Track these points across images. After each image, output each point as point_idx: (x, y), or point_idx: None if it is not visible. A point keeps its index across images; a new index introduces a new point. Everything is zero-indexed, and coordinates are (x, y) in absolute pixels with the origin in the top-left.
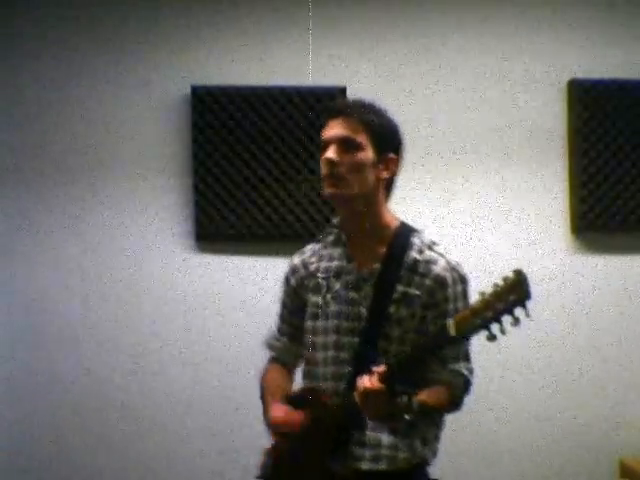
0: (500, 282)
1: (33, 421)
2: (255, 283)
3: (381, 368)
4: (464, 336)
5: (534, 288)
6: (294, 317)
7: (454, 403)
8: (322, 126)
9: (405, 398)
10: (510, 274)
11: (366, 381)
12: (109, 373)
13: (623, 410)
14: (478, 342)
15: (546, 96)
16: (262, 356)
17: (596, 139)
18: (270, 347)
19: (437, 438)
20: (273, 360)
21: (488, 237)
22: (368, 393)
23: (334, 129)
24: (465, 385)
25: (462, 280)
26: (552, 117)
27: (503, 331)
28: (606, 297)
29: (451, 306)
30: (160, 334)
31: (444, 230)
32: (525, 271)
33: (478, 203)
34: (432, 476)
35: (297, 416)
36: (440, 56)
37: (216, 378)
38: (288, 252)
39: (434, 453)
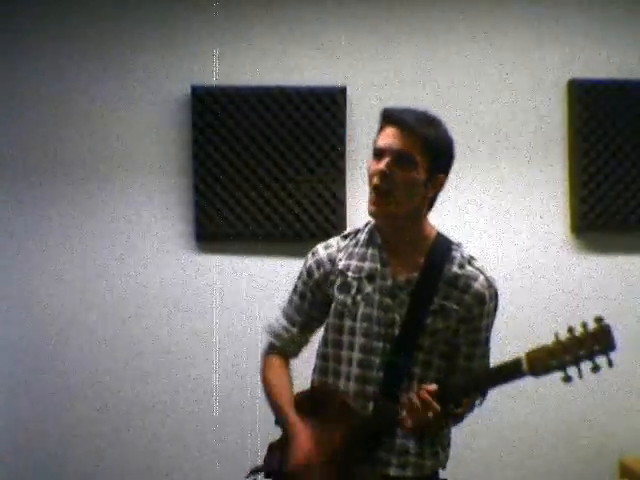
0: (579, 328)
1: (33, 422)
2: (255, 283)
3: (432, 387)
4: (537, 374)
5: (534, 287)
6: (312, 310)
7: (471, 409)
8: (379, 129)
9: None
10: (592, 323)
11: (419, 399)
12: (108, 373)
13: (623, 410)
14: None
15: (546, 96)
16: (262, 355)
17: (596, 139)
18: (276, 337)
19: (449, 442)
20: (274, 349)
21: (488, 237)
22: (420, 411)
23: (392, 139)
24: (482, 394)
25: (496, 296)
26: (552, 117)
27: (580, 375)
28: (606, 297)
29: (484, 321)
30: (160, 334)
31: (443, 230)
32: (525, 271)
33: (478, 203)
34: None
35: (326, 440)
36: (440, 57)
37: (216, 377)
38: (288, 252)
39: (447, 457)
